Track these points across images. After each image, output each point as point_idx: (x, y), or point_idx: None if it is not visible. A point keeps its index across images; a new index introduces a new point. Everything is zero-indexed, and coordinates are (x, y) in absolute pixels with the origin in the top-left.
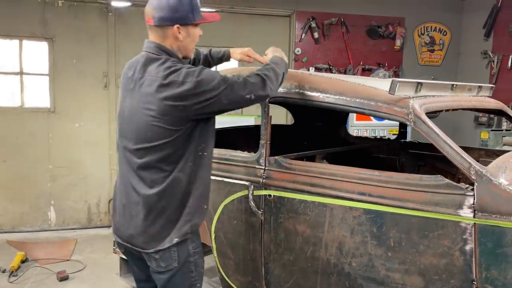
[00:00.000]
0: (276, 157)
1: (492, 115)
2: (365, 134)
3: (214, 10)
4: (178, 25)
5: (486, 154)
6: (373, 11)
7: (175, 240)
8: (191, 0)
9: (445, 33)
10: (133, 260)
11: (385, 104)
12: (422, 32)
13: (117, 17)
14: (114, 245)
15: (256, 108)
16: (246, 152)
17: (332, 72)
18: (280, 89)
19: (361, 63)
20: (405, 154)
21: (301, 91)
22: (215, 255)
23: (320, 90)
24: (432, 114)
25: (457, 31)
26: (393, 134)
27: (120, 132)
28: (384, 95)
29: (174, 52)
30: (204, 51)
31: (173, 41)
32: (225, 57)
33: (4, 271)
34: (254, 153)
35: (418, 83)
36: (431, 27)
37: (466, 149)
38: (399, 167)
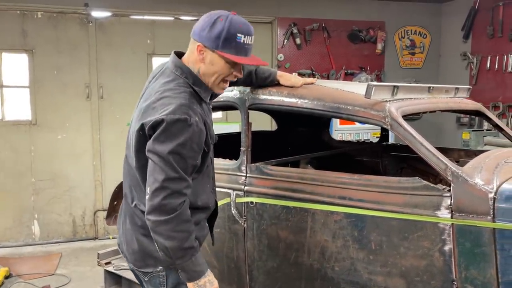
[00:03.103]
0: (257, 164)
1: (473, 116)
2: (349, 138)
3: (195, 18)
4: (201, 44)
5: (466, 155)
6: (354, 16)
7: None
8: (225, 28)
9: (425, 36)
10: (136, 277)
11: (362, 108)
12: (403, 35)
13: (97, 27)
14: (98, 257)
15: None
16: (227, 160)
17: (315, 77)
18: (260, 96)
19: (344, 68)
20: (388, 156)
21: (279, 97)
22: None
23: (298, 96)
24: (416, 116)
25: (437, 33)
26: (377, 137)
27: (127, 139)
28: (361, 99)
29: (192, 72)
30: (251, 66)
31: (197, 60)
32: (270, 80)
33: None
34: (236, 160)
35: (394, 86)
36: (411, 30)
37: (446, 150)
38: (382, 169)
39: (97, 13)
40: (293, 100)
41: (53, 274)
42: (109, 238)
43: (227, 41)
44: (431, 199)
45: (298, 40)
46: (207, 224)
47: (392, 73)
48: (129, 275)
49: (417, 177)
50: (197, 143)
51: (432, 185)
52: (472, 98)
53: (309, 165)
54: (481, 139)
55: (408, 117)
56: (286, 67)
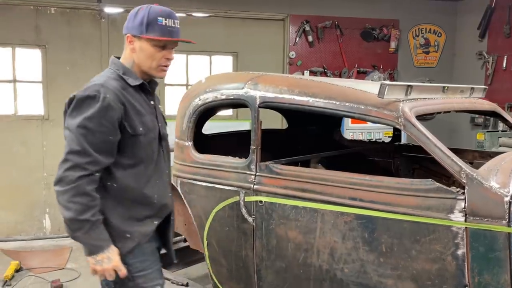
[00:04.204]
0: (267, 163)
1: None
2: (360, 137)
3: (207, 15)
4: (130, 35)
5: (480, 156)
6: (367, 14)
7: None
8: (145, 15)
9: (440, 35)
10: None
11: (375, 108)
12: (417, 33)
13: (110, 23)
14: None
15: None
16: (236, 158)
17: (327, 75)
18: (270, 94)
19: (356, 66)
20: (400, 157)
21: (291, 96)
22: (208, 262)
23: (310, 94)
24: (429, 116)
25: (452, 32)
26: (389, 137)
27: None
28: (373, 99)
29: (123, 64)
30: None
31: (129, 52)
32: None
33: None
34: (246, 158)
35: (408, 86)
36: (426, 28)
37: (460, 151)
38: (394, 170)
39: (109, 9)
40: (304, 98)
41: (63, 268)
42: None
43: (150, 25)
44: (445, 201)
45: (310, 38)
46: (155, 222)
47: (406, 72)
48: None
49: (430, 179)
50: (107, 118)
51: (445, 187)
52: (488, 98)
53: (319, 164)
54: (496, 140)
55: (421, 117)
56: (298, 64)
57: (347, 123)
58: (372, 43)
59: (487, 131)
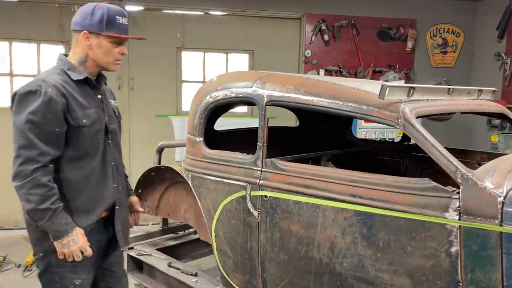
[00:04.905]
0: (272, 159)
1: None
2: (373, 137)
3: (225, 13)
4: (86, 31)
5: (489, 158)
6: (384, 13)
7: None
8: (104, 13)
9: (458, 35)
10: None
11: (376, 108)
12: (435, 33)
13: (130, 21)
14: None
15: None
16: (244, 154)
17: (342, 74)
18: (277, 93)
19: (372, 65)
20: (409, 156)
21: (296, 95)
22: (216, 253)
23: (315, 94)
24: (445, 117)
25: (470, 32)
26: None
27: None
28: (376, 99)
29: (69, 61)
30: None
31: (83, 47)
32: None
33: (19, 266)
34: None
35: (410, 87)
36: (444, 28)
37: (470, 152)
38: (403, 169)
39: (130, 7)
40: (309, 98)
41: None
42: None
43: (109, 24)
44: (440, 200)
45: (326, 37)
46: (98, 212)
47: (422, 72)
48: (151, 261)
49: (426, 178)
50: (51, 111)
51: (441, 186)
52: (505, 99)
53: (330, 162)
54: (510, 142)
55: (436, 118)
56: (313, 63)
57: (360, 122)
58: (389, 42)
59: (502, 133)
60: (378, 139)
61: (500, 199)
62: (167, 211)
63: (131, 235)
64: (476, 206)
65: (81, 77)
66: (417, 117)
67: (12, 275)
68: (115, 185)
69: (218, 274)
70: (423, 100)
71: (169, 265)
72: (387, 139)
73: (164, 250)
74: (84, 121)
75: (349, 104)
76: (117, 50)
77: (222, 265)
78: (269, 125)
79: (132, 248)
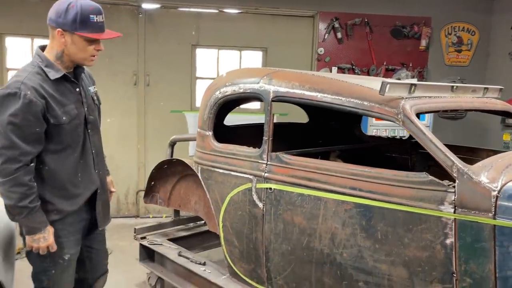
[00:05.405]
0: (277, 153)
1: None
2: (384, 134)
3: (239, 11)
4: (60, 30)
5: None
6: (397, 11)
7: None
8: (78, 12)
9: (473, 33)
10: None
11: (377, 104)
12: (449, 32)
13: (147, 18)
14: (134, 232)
15: (279, 106)
16: (251, 148)
17: (355, 72)
18: (283, 89)
19: (385, 63)
20: (416, 153)
21: (301, 91)
22: (223, 243)
23: (319, 90)
24: (459, 115)
25: (486, 31)
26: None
27: None
28: (378, 96)
29: (46, 57)
30: None
31: (59, 44)
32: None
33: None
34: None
35: (412, 84)
36: (459, 27)
37: (476, 149)
38: (411, 166)
39: (147, 5)
40: (313, 94)
41: None
42: (149, 217)
43: (82, 23)
44: (436, 194)
45: (339, 35)
46: (82, 197)
47: (436, 70)
48: (162, 250)
49: (424, 172)
50: (31, 113)
51: (437, 180)
52: None
53: (338, 158)
54: None
55: (448, 116)
56: (326, 61)
57: (371, 120)
58: (402, 40)
59: None
60: (389, 136)
61: (494, 193)
62: (178, 203)
63: (144, 226)
64: (470, 200)
65: (58, 76)
66: (418, 114)
67: None
68: (96, 171)
69: (226, 264)
70: (425, 97)
71: (179, 254)
72: (397, 137)
73: (176, 241)
74: (64, 118)
75: (352, 100)
76: (92, 48)
77: (229, 255)
78: (280, 122)
79: (144, 238)
